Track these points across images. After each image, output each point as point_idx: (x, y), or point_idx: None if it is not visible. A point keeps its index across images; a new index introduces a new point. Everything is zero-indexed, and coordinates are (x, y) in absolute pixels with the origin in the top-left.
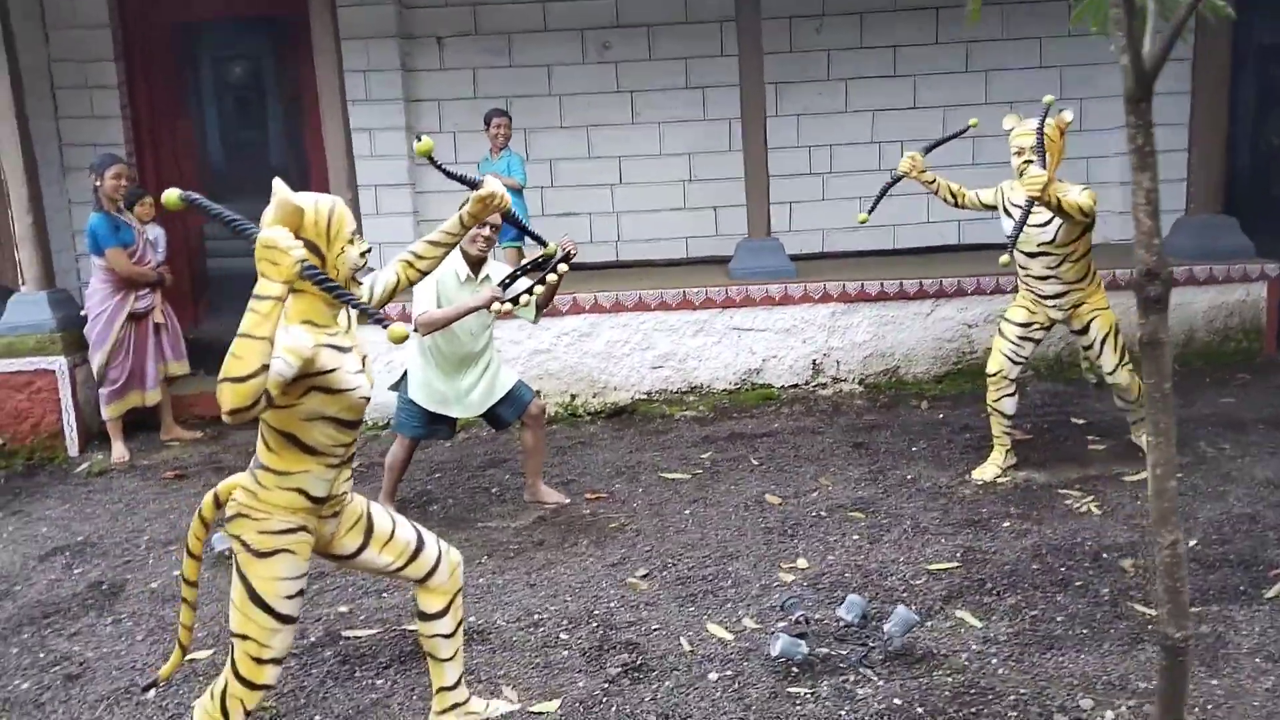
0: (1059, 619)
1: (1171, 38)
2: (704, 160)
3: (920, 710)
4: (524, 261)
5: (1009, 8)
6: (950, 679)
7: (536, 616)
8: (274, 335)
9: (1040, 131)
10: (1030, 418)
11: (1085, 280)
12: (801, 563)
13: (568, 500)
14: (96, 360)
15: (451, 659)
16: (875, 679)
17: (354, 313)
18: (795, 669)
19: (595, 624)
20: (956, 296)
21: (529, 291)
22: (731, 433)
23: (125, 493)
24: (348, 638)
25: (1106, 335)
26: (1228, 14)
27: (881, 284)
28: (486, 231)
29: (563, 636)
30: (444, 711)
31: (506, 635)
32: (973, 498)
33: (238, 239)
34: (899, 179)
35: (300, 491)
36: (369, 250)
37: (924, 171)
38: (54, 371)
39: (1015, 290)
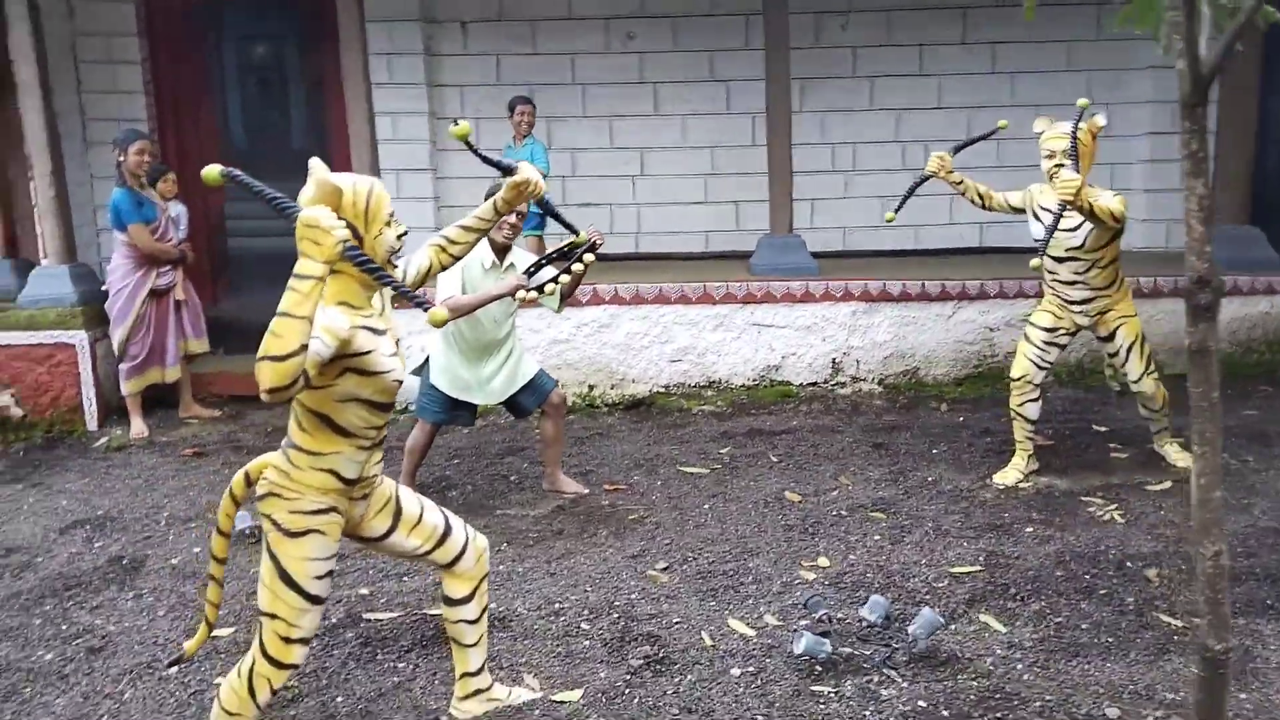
0: (1084, 626)
1: (1230, 41)
2: (726, 154)
3: (945, 714)
4: (550, 250)
5: (1038, 11)
6: (975, 683)
7: (557, 605)
8: (314, 315)
9: (1074, 135)
10: (1051, 424)
11: (1112, 287)
12: (823, 561)
13: (586, 491)
14: (117, 336)
15: (475, 645)
16: (899, 680)
17: (387, 295)
18: (819, 668)
19: (616, 615)
20: (978, 299)
21: (554, 280)
22: (750, 429)
23: (144, 469)
24: (369, 620)
25: (1133, 343)
26: (1277, 19)
27: (903, 284)
28: (513, 219)
29: (584, 626)
30: (466, 697)
31: (528, 623)
32: (994, 502)
33: (279, 218)
34: (926, 179)
35: (332, 472)
36: (406, 233)
37: (951, 172)
38: (74, 345)
39: (1037, 294)
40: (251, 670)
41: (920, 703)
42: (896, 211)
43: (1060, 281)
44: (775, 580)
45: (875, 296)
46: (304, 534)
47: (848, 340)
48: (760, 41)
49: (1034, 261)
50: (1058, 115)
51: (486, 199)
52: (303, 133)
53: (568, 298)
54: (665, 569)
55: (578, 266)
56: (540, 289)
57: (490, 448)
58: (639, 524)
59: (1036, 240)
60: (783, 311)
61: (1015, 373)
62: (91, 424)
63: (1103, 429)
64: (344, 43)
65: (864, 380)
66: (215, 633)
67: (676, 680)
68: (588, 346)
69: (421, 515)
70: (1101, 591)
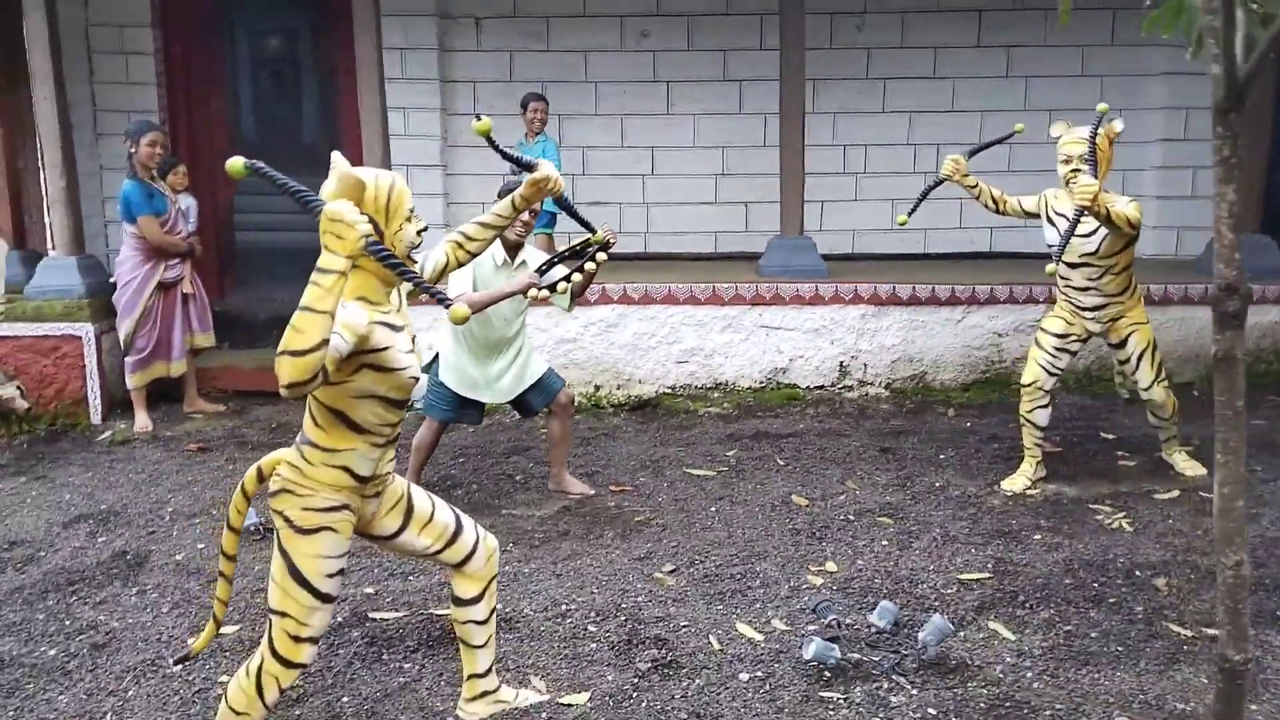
0: (1093, 635)
1: (1267, 47)
2: (737, 155)
3: None
4: (562, 249)
5: (1053, 15)
6: (985, 691)
7: (564, 607)
8: (335, 310)
9: (1093, 140)
10: (1059, 430)
11: (1125, 294)
12: (830, 566)
13: (592, 491)
14: (124, 328)
15: (484, 646)
16: (909, 687)
17: (403, 292)
18: (828, 673)
19: (623, 617)
20: (987, 304)
21: (566, 279)
22: (756, 431)
23: (148, 463)
24: (374, 619)
25: (1144, 350)
26: None
27: (913, 288)
28: (526, 216)
29: (590, 629)
30: (474, 699)
31: (534, 625)
32: (1002, 508)
33: (302, 212)
34: (941, 182)
35: (346, 469)
36: (425, 229)
37: (966, 175)
38: (80, 338)
39: (1047, 300)
40: (260, 669)
41: (930, 710)
42: (910, 214)
43: (1073, 287)
44: (783, 585)
45: (884, 300)
46: (316, 531)
47: (856, 343)
48: (774, 41)
49: (1049, 267)
50: (1072, 120)
51: (500, 197)
52: (314, 126)
53: (578, 297)
54: (672, 571)
55: (590, 265)
56: (552, 287)
57: (495, 447)
58: (645, 526)
59: (1050, 246)
60: (791, 314)
61: (1026, 379)
62: (95, 417)
63: (1110, 436)
64: (358, 35)
65: (871, 384)
66: (221, 630)
67: (684, 684)
68: (595, 346)
69: (433, 514)
70: (1110, 600)
